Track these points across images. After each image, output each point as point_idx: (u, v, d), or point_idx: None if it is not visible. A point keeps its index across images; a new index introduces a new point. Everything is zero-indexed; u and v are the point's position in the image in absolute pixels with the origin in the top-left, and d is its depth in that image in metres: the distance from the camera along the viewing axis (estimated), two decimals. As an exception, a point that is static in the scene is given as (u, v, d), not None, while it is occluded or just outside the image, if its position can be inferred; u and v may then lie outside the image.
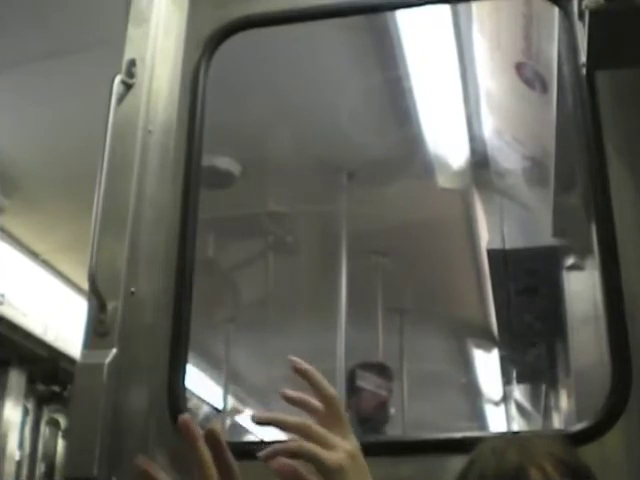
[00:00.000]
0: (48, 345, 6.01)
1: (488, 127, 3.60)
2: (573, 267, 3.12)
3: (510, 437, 1.31)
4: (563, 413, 4.14)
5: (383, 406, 3.94)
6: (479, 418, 6.87)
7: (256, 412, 1.00)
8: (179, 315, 1.91)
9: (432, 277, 4.94)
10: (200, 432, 0.95)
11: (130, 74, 2.06)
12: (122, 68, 2.06)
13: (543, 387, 5.09)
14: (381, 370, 4.10)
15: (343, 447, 1.04)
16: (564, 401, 4.04)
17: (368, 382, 3.93)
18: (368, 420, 3.88)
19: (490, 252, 3.81)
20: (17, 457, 6.11)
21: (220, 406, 5.43)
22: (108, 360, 1.78)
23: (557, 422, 4.64)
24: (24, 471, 6.22)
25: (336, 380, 4.02)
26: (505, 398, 5.86)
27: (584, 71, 1.85)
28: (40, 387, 6.46)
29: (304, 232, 4.67)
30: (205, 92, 2.11)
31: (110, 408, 1.76)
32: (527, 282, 3.64)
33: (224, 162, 3.87)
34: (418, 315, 5.29)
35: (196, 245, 2.00)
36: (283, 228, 4.45)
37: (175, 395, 1.84)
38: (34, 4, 3.68)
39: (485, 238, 4.23)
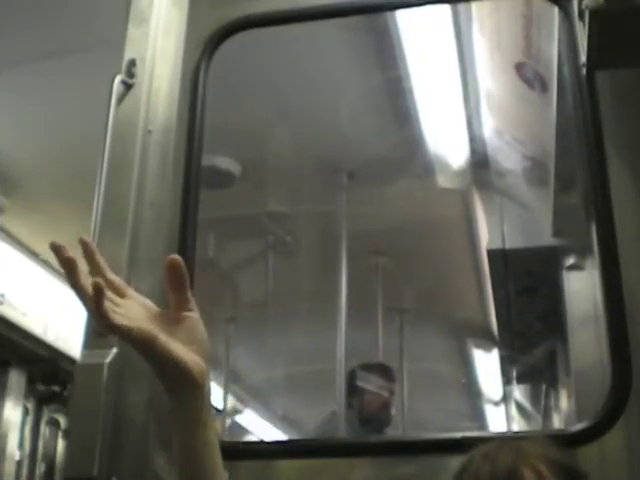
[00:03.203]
0: (48, 345, 5.99)
1: (488, 127, 3.60)
2: (573, 267, 3.11)
3: (501, 442, 1.30)
4: (563, 413, 4.14)
5: (386, 407, 3.93)
6: (479, 418, 6.86)
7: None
8: (179, 315, 1.90)
9: (432, 277, 4.93)
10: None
11: (130, 74, 2.06)
12: (122, 68, 2.07)
13: (543, 387, 5.08)
14: (383, 371, 4.09)
15: None
16: (564, 401, 4.03)
17: (370, 383, 3.92)
18: (371, 421, 3.88)
19: (490, 252, 3.80)
20: (17, 457, 6.10)
21: (220, 406, 5.42)
22: (108, 360, 1.78)
23: (557, 422, 4.63)
24: (24, 471, 6.21)
25: (336, 380, 4.02)
26: (505, 398, 5.85)
27: (584, 71, 1.85)
28: (40, 387, 6.44)
29: (304, 232, 4.66)
30: (205, 92, 2.11)
31: (110, 408, 1.76)
32: (527, 282, 3.63)
33: (224, 162, 3.87)
34: (418, 315, 5.28)
35: (196, 245, 2.00)
36: (283, 228, 4.44)
37: (175, 395, 1.84)
38: (34, 4, 3.68)
39: (485, 238, 4.22)
